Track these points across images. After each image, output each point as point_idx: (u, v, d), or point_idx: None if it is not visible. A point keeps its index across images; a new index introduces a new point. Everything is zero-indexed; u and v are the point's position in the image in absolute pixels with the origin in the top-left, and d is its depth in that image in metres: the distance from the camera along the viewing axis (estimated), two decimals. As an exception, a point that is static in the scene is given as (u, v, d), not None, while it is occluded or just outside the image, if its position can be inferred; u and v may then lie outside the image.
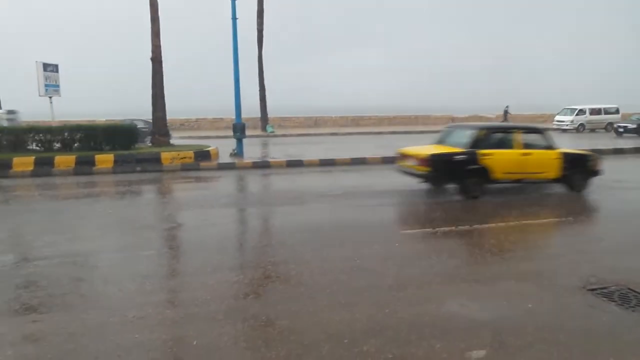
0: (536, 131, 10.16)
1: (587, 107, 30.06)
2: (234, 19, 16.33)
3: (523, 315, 4.08)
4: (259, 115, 30.92)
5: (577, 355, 3.42)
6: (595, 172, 9.99)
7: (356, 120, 36.35)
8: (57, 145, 16.01)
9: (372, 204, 8.92)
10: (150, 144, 18.46)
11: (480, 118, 37.88)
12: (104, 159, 14.61)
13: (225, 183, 12.28)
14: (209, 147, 16.91)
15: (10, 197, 10.90)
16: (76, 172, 13.99)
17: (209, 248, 6.19)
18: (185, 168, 14.55)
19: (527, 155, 9.41)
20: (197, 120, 33.99)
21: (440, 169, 9.31)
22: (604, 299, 4.44)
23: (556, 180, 9.67)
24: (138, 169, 14.32)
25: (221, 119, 33.54)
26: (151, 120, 19.43)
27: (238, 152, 16.75)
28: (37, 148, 15.99)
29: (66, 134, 16.02)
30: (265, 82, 30.64)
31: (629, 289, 4.64)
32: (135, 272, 5.31)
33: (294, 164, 14.95)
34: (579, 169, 9.79)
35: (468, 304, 4.32)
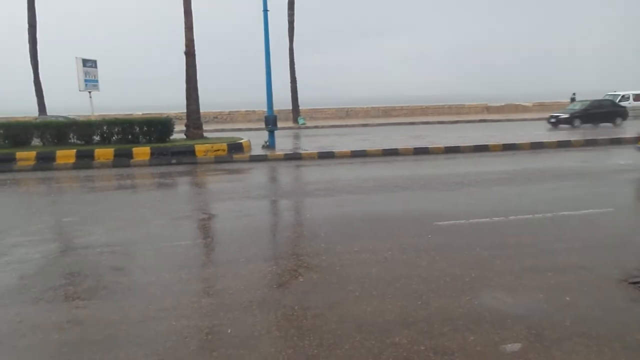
0: None
1: (630, 92, 28.72)
2: (265, 11, 16.39)
3: (561, 309, 3.99)
4: (290, 107, 31.05)
5: (617, 350, 3.32)
6: None
7: (388, 111, 36.01)
8: (97, 138, 16.58)
9: (405, 196, 8.85)
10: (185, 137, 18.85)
11: (516, 107, 36.86)
12: (141, 152, 15.02)
13: (258, 175, 12.43)
14: (242, 139, 17.12)
15: (54, 188, 11.37)
16: (115, 165, 14.46)
17: (242, 239, 6.30)
18: (219, 160, 14.80)
19: None
20: (229, 113, 34.43)
21: None
22: (647, 293, 4.28)
23: None
24: (173, 161, 14.67)
25: (253, 111, 33.86)
26: (72, 116, 19.66)
27: (270, 144, 16.89)
28: (78, 142, 16.59)
29: (105, 127, 16.55)
30: (297, 74, 30.69)
31: (675, 283, 4.45)
32: (172, 261, 5.47)
33: (326, 156, 14.97)
34: None
35: (503, 296, 4.25)
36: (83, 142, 16.50)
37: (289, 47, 30.12)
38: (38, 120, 19.22)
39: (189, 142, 16.58)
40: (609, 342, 3.43)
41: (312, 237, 6.34)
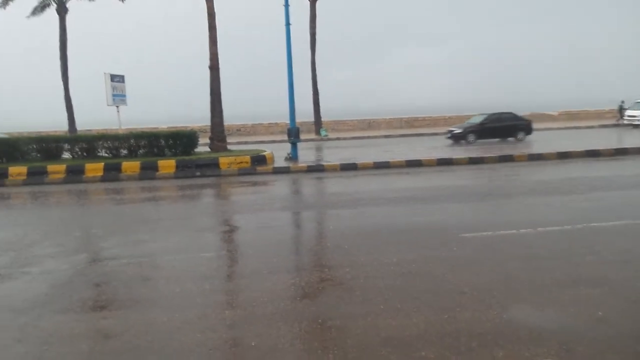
0: None
1: None
2: (287, 24, 16.60)
3: (593, 324, 3.85)
4: (312, 119, 31.22)
5: (655, 369, 3.19)
6: None
7: (410, 122, 35.82)
8: (124, 151, 16.95)
9: (431, 207, 8.75)
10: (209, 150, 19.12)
11: (542, 116, 36.20)
12: (166, 165, 15.29)
13: (281, 187, 12.48)
14: (265, 151, 17.27)
15: (84, 200, 11.64)
16: (141, 177, 14.73)
17: (265, 250, 6.31)
18: (242, 172, 14.94)
19: None
20: (253, 125, 34.80)
21: None
22: (686, 309, 4.10)
23: None
24: (198, 173, 14.87)
25: (276, 123, 34.15)
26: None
27: (293, 156, 16.98)
28: (106, 155, 17.00)
29: (132, 141, 16.94)
30: (319, 86, 30.89)
31: None
32: (196, 273, 5.51)
33: (348, 167, 14.96)
34: None
35: (532, 310, 4.13)
36: (111, 156, 16.90)
37: (311, 59, 30.38)
38: (64, 135, 19.81)
39: (213, 155, 16.81)
40: (646, 359, 3.29)
41: (335, 249, 6.31)
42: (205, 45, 18.43)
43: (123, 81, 19.89)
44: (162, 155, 16.68)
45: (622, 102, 30.56)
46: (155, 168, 15.21)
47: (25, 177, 14.84)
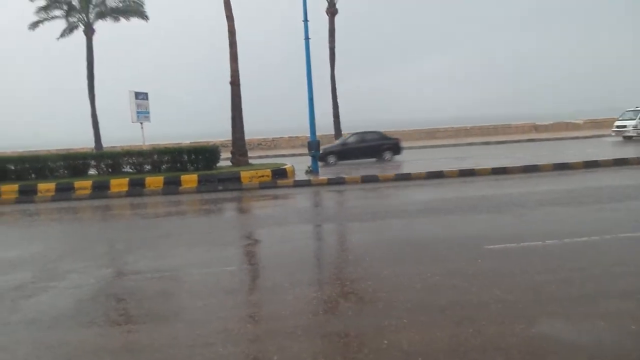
0: None
1: None
2: (307, 39, 16.78)
3: (625, 338, 3.71)
4: (333, 132, 31.29)
5: (693, 386, 3.04)
6: None
7: (431, 133, 35.60)
8: (148, 167, 17.27)
9: (452, 219, 8.63)
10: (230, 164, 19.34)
11: (567, 125, 35.55)
12: (189, 179, 15.50)
13: (302, 200, 12.51)
14: (285, 165, 17.36)
15: (108, 215, 11.87)
16: (164, 192, 14.96)
17: (287, 264, 6.31)
18: (263, 186, 15.03)
19: None
20: (273, 139, 35.08)
21: None
22: None
23: None
24: (220, 188, 15.02)
25: (296, 137, 34.35)
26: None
27: (313, 169, 17.02)
28: (131, 170, 17.34)
29: (155, 156, 17.25)
30: (339, 99, 31.01)
31: None
32: (218, 287, 5.54)
33: (369, 180, 14.90)
34: None
35: (560, 324, 4.01)
36: (135, 171, 17.23)
37: (331, 73, 30.54)
38: (90, 152, 20.30)
39: (235, 169, 16.97)
40: (683, 376, 3.15)
41: (357, 262, 6.27)
42: (227, 62, 18.75)
43: (147, 98, 20.34)
44: (185, 170, 16.93)
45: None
46: (178, 183, 15.43)
47: (53, 193, 15.23)
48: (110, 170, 17.41)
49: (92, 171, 17.80)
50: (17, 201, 14.95)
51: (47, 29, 27.55)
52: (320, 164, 19.20)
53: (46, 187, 15.46)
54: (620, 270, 5.31)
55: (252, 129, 25.24)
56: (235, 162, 18.91)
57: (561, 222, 7.94)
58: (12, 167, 17.23)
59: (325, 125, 25.71)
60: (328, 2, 29.19)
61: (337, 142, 22.12)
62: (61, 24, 27.33)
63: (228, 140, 20.90)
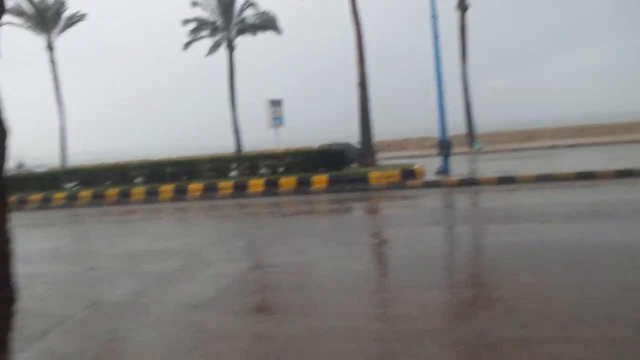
0: None
1: None
2: (436, 37, 16.21)
3: None
4: (464, 132, 29.87)
5: None
6: None
7: (580, 130, 31.88)
8: (281, 168, 18.24)
9: (608, 225, 7.56)
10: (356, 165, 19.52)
11: None
12: (319, 180, 15.98)
13: (431, 201, 12.07)
14: (414, 165, 16.96)
15: (246, 213, 12.77)
16: (296, 192, 15.63)
17: (415, 265, 6.08)
18: (392, 187, 14.85)
19: None
20: (402, 140, 34.66)
21: None
22: None
23: None
24: (348, 188, 15.22)
25: (426, 137, 33.44)
26: None
27: (444, 170, 16.36)
28: (267, 172, 18.49)
29: (288, 158, 18.15)
30: (471, 97, 29.51)
31: None
32: (346, 283, 5.54)
33: (506, 181, 13.82)
34: None
35: None
36: (270, 172, 18.32)
37: (462, 71, 29.22)
38: (232, 155, 22.07)
39: (363, 170, 17.07)
40: None
41: (492, 267, 5.80)
42: (355, 65, 19.00)
43: (281, 105, 21.53)
44: (315, 171, 17.52)
45: None
46: (309, 183, 16.01)
47: (201, 193, 16.88)
48: (248, 171, 18.75)
49: (233, 173, 19.36)
50: (172, 200, 16.86)
51: (196, 49, 30.80)
52: None
53: (195, 187, 17.19)
54: None
55: (381, 130, 25.21)
56: (363, 163, 19.04)
57: None
58: (169, 170, 19.53)
59: (457, 125, 24.62)
60: (459, -3, 28.00)
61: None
62: (206, 43, 30.30)
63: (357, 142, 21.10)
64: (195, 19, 29.19)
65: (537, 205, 9.72)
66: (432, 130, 21.83)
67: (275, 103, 21.20)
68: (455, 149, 21.40)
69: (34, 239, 10.66)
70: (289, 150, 19.85)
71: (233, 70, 29.43)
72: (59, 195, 18.47)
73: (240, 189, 16.56)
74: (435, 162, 17.49)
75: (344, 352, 3.75)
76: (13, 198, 17.74)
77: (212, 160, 19.82)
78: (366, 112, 19.19)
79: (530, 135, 32.43)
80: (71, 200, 18.21)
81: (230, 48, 29.47)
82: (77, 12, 31.90)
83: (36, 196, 18.64)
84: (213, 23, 29.51)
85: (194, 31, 29.46)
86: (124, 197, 17.65)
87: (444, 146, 16.43)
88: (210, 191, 16.83)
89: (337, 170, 17.27)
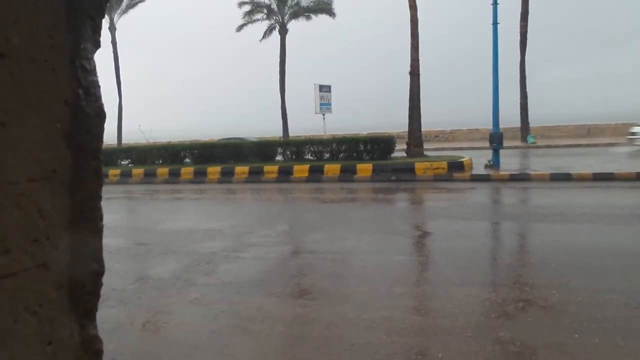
0: None
1: None
2: (495, 23, 15.61)
3: None
4: (518, 125, 28.72)
5: None
6: None
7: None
8: (327, 155, 18.26)
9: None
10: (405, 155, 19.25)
11: None
12: (364, 168, 15.89)
13: (478, 195, 11.75)
14: (463, 157, 16.52)
15: (290, 198, 12.91)
16: (340, 179, 15.63)
17: (458, 260, 5.96)
18: (438, 178, 14.56)
19: None
20: (451, 131, 33.79)
21: None
22: None
23: None
24: (393, 178, 15.06)
25: (477, 129, 32.47)
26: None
27: (494, 163, 15.85)
28: (311, 158, 18.57)
29: (334, 145, 18.13)
30: (528, 89, 28.27)
31: None
32: (386, 274, 5.51)
33: (560, 178, 13.23)
34: None
35: None
36: (315, 159, 18.38)
37: (520, 60, 27.97)
38: (278, 140, 22.27)
39: (409, 160, 16.82)
40: None
41: (539, 267, 5.59)
42: (408, 52, 18.62)
43: (329, 91, 21.48)
44: (360, 159, 17.42)
45: None
46: (353, 171, 15.96)
47: (247, 176, 17.19)
48: (293, 157, 18.89)
49: (278, 157, 19.58)
50: (219, 181, 17.29)
51: (249, 32, 31.14)
52: None
53: (241, 170, 17.53)
54: None
55: (431, 121, 24.70)
56: (410, 153, 18.74)
57: None
58: (217, 152, 20.00)
59: (510, 118, 23.72)
60: (521, -18, 26.74)
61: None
62: (260, 27, 30.54)
63: (404, 132, 20.80)
64: (250, 1, 29.39)
65: (594, 205, 9.26)
66: (485, 122, 21.20)
67: (324, 88, 21.20)
68: (508, 143, 20.68)
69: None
70: (335, 137, 19.84)
71: (284, 55, 29.56)
72: (114, 172, 19.35)
73: (285, 174, 16.73)
74: (486, 155, 16.98)
75: (382, 344, 3.74)
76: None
77: (258, 144, 20.12)
78: (417, 101, 18.81)
79: (590, 130, 30.80)
80: (125, 177, 19.05)
81: (283, 32, 29.57)
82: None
83: (93, 171, 19.61)
84: (268, 5, 29.64)
85: (249, 13, 29.71)
86: (174, 176, 18.27)
87: (495, 139, 15.91)
88: (255, 174, 17.11)
89: (383, 159, 17.10)
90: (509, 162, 16.88)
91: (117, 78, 32.14)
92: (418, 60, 18.58)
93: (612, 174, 13.05)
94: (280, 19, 29.64)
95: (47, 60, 0.68)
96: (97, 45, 0.76)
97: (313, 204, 11.93)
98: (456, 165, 15.35)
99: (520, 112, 28.46)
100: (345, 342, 3.81)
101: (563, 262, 5.68)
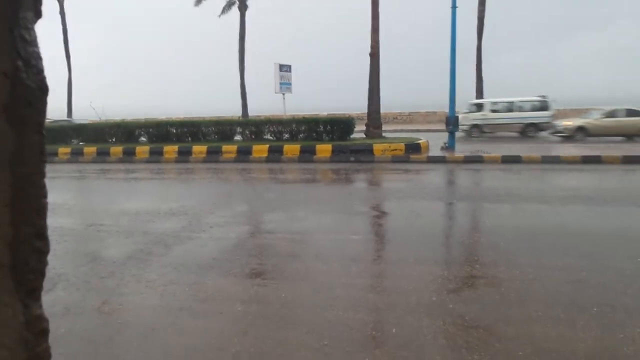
0: None
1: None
2: (454, 7, 15.83)
3: None
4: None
5: None
6: None
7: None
8: (286, 135, 18.18)
9: (610, 210, 7.57)
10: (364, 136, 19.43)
11: None
12: (323, 149, 15.94)
13: (434, 176, 12.07)
14: (420, 139, 16.87)
15: (249, 178, 12.81)
16: (300, 160, 15.64)
17: (413, 239, 6.14)
18: (396, 160, 14.83)
19: None
20: (409, 114, 34.36)
21: None
22: None
23: None
24: (352, 159, 15.21)
25: (434, 112, 33.16)
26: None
27: (449, 146, 16.29)
28: (271, 138, 18.44)
29: (294, 125, 18.06)
30: (484, 74, 28.98)
31: None
32: (343, 253, 5.61)
33: (511, 160, 13.77)
34: None
35: None
36: (275, 139, 18.27)
37: (477, 45, 28.54)
38: (237, 119, 21.94)
39: (368, 141, 17.00)
40: None
41: (489, 246, 5.85)
42: (368, 34, 18.63)
43: (290, 70, 21.23)
44: (320, 139, 17.46)
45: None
46: (313, 152, 15.99)
47: (205, 155, 16.89)
48: (253, 136, 18.70)
49: (237, 137, 19.31)
50: (176, 160, 16.91)
51: (207, 8, 30.20)
52: None
53: (199, 149, 17.19)
54: None
55: (390, 101, 24.95)
56: (369, 135, 18.94)
57: None
58: (174, 131, 19.50)
59: (467, 101, 24.28)
60: (479, -33, 27.10)
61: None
62: (219, 2, 29.68)
63: (363, 114, 20.95)
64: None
65: (542, 187, 9.73)
66: (441, 105, 21.63)
67: (284, 68, 20.95)
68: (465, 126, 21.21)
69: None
70: (295, 117, 19.74)
71: (244, 32, 28.95)
72: (64, 150, 18.55)
73: (244, 154, 16.56)
74: (442, 138, 17.40)
75: (339, 320, 3.84)
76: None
77: (216, 123, 19.74)
78: (376, 83, 18.95)
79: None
80: (76, 155, 18.30)
81: (243, 8, 28.89)
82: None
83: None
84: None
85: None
86: (128, 155, 17.71)
87: (451, 122, 16.31)
88: (214, 154, 16.84)
89: (342, 140, 17.20)
90: (464, 145, 17.39)
91: (66, 51, 30.58)
92: (378, 42, 18.65)
93: (558, 157, 13.71)
94: (240, -6, 28.92)
95: None
96: (39, 14, 0.72)
97: (272, 184, 11.90)
98: (413, 147, 15.66)
99: (476, 96, 29.18)
100: (302, 319, 3.87)
101: (511, 241, 5.95)
